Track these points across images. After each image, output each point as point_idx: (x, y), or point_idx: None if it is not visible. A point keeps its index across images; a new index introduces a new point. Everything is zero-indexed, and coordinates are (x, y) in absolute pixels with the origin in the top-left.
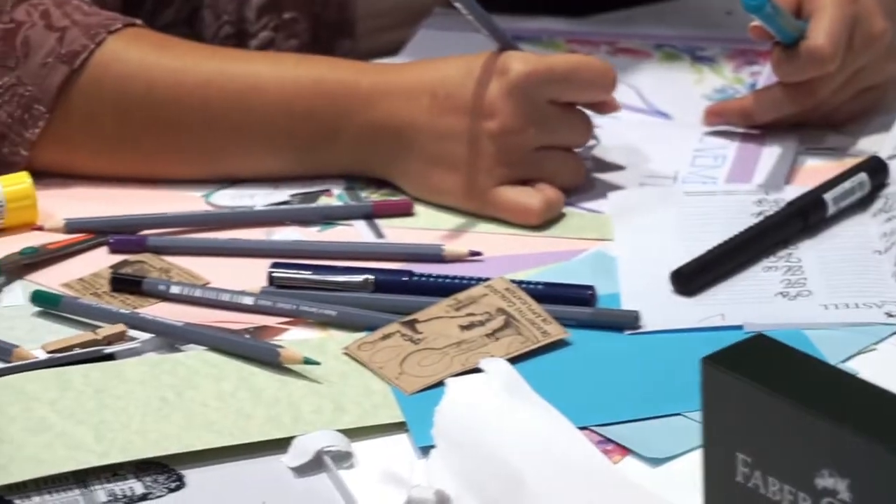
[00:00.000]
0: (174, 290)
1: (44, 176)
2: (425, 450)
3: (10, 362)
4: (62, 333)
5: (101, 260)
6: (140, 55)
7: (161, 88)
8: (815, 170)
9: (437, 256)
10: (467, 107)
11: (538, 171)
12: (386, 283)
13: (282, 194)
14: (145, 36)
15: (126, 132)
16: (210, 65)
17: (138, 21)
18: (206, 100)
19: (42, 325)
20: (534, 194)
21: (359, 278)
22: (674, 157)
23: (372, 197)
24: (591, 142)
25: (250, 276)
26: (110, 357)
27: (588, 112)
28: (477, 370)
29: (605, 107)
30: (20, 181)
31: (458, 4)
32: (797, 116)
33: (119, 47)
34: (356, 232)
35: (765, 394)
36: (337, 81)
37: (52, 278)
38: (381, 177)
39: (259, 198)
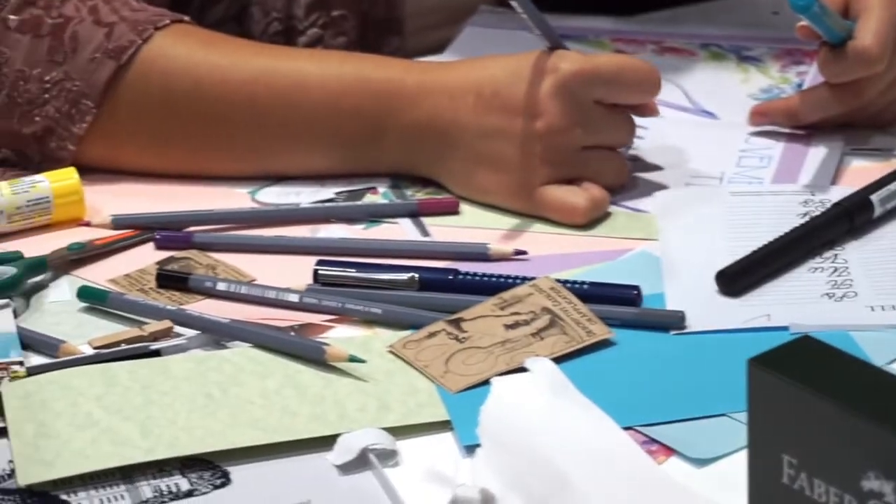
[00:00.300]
0: (220, 286)
1: (91, 172)
2: (470, 449)
3: (56, 358)
4: (108, 329)
5: (147, 256)
6: (187, 52)
7: (207, 85)
8: (862, 170)
9: (482, 255)
10: (513, 106)
11: (583, 170)
12: (431, 282)
13: (327, 192)
14: (192, 32)
15: (172, 128)
16: (256, 62)
17: (186, 17)
18: (252, 97)
19: (88, 321)
20: (580, 193)
21: (404, 276)
22: (719, 157)
23: (417, 195)
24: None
25: (296, 273)
26: (156, 353)
27: None
28: (522, 369)
29: (646, 110)
30: (67, 177)
31: (513, 3)
32: (843, 117)
33: (166, 43)
34: (401, 230)
35: (811, 395)
36: (383, 80)
37: (98, 274)
38: (427, 175)
39: (305, 195)
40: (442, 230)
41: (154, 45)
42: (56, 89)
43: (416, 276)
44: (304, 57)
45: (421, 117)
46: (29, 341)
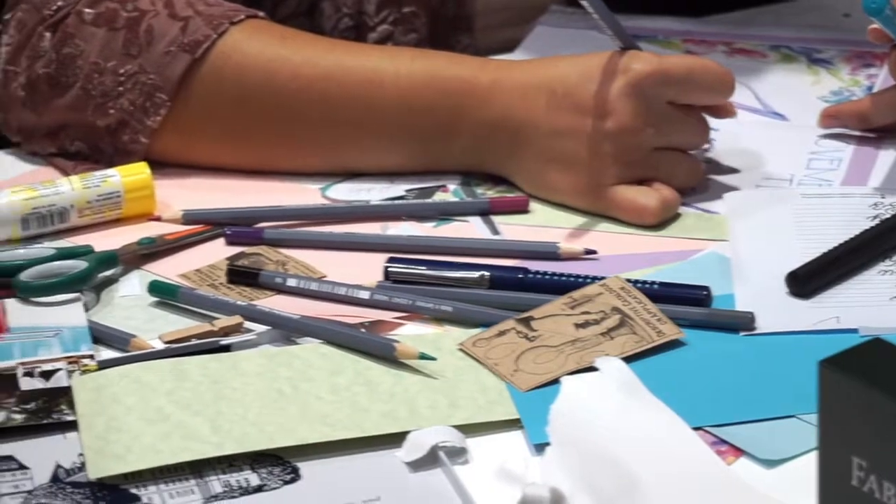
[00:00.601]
0: (290, 282)
1: (161, 166)
2: (540, 447)
3: (127, 352)
4: (179, 324)
5: (217, 251)
6: (260, 47)
7: (280, 81)
8: None
9: (552, 254)
10: (586, 105)
11: (655, 171)
12: (501, 280)
13: (398, 189)
14: (266, 28)
15: (245, 123)
16: (329, 58)
17: (260, 13)
18: (324, 93)
19: (159, 316)
20: (651, 194)
21: (474, 275)
22: (789, 159)
23: (488, 193)
24: (705, 145)
25: (366, 270)
26: (226, 348)
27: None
28: (592, 369)
29: (722, 111)
30: (139, 172)
31: (585, 3)
32: None
33: (241, 38)
34: (472, 228)
35: (882, 397)
36: (455, 77)
37: (169, 269)
38: (497, 173)
39: (375, 192)
40: (512, 229)
41: (229, 39)
42: (130, 82)
43: (487, 274)
44: (377, 53)
45: (493, 115)
46: (100, 335)
